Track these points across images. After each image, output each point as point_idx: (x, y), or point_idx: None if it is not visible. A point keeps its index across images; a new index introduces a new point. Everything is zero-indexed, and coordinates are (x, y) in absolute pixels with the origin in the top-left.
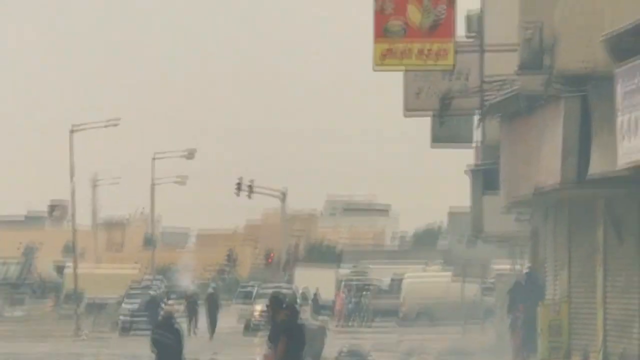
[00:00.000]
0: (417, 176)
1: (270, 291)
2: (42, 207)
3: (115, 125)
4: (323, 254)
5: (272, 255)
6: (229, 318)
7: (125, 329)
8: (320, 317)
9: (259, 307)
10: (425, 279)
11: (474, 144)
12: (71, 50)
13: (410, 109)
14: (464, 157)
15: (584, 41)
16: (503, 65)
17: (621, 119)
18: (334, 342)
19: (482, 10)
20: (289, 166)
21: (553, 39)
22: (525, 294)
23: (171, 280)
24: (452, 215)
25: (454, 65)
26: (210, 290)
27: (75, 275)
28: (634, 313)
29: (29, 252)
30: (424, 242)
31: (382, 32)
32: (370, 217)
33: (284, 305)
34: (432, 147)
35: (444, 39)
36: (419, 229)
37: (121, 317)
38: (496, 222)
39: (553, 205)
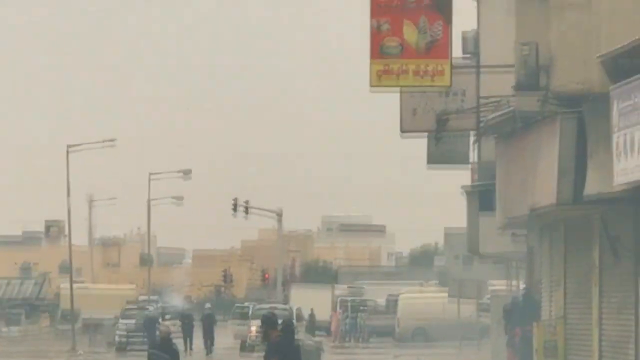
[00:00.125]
0: (413, 196)
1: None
2: (39, 226)
3: (112, 145)
4: (319, 274)
5: (267, 275)
6: (225, 337)
7: (122, 348)
8: (316, 337)
9: (254, 326)
10: (421, 298)
11: (470, 164)
12: (67, 70)
13: (406, 129)
14: (460, 176)
15: (579, 61)
16: (499, 85)
17: (617, 138)
18: None
19: (478, 30)
20: (284, 186)
21: (549, 58)
22: (522, 312)
23: (167, 299)
24: (448, 234)
25: (450, 85)
26: (206, 310)
27: (72, 294)
28: (630, 332)
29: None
30: (420, 262)
31: (378, 51)
32: (366, 236)
33: (280, 325)
34: (428, 166)
35: (440, 58)
36: (415, 249)
37: (117, 336)
38: (492, 242)
39: (549, 225)
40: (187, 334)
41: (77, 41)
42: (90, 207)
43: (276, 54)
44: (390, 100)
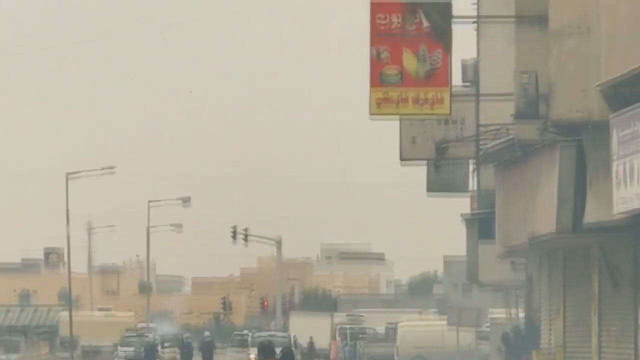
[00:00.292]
0: (412, 224)
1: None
2: (38, 254)
3: (111, 172)
4: (318, 301)
5: (266, 302)
6: None
7: None
8: None
9: (253, 354)
10: (420, 326)
11: (469, 192)
12: (65, 97)
13: (406, 157)
14: (460, 204)
15: (579, 89)
16: (498, 113)
17: (617, 166)
18: None
19: (477, 59)
20: (283, 214)
21: (548, 87)
22: (524, 339)
23: (166, 326)
24: (448, 262)
25: (449, 113)
26: (206, 338)
27: (70, 321)
28: None
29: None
30: (419, 290)
31: (378, 79)
32: (365, 264)
33: (279, 354)
34: (427, 194)
35: (439, 86)
36: (414, 277)
37: None
38: (491, 270)
39: (548, 253)
40: None
41: (76, 68)
42: (89, 235)
43: (275, 82)
44: (390, 128)
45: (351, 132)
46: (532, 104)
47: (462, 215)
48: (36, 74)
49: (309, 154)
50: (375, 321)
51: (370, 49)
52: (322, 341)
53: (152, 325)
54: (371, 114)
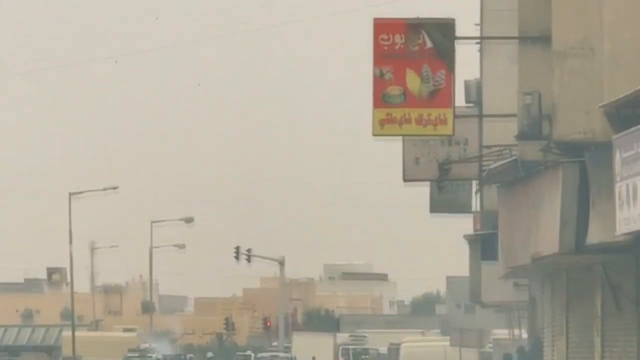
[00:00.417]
0: (415, 243)
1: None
2: (41, 273)
3: (114, 191)
4: (321, 321)
5: (269, 322)
6: None
7: None
8: None
9: None
10: (423, 347)
11: (472, 211)
12: (68, 116)
13: (409, 177)
14: (462, 224)
15: (582, 110)
16: (502, 133)
17: (620, 187)
18: None
19: (480, 78)
20: (286, 234)
21: (551, 107)
22: (527, 358)
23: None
24: (450, 282)
25: (453, 134)
26: (209, 358)
27: (73, 340)
28: None
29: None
30: (422, 310)
31: (381, 98)
32: (368, 284)
33: None
34: (430, 214)
35: (443, 107)
36: (417, 297)
37: None
38: (494, 290)
39: (551, 273)
40: None
41: (79, 89)
42: (92, 254)
43: (277, 103)
44: (392, 148)
45: (354, 152)
46: (535, 124)
47: (464, 235)
48: (38, 93)
49: (311, 174)
50: (378, 341)
51: (374, 69)
52: None
53: (153, 345)
54: (374, 135)
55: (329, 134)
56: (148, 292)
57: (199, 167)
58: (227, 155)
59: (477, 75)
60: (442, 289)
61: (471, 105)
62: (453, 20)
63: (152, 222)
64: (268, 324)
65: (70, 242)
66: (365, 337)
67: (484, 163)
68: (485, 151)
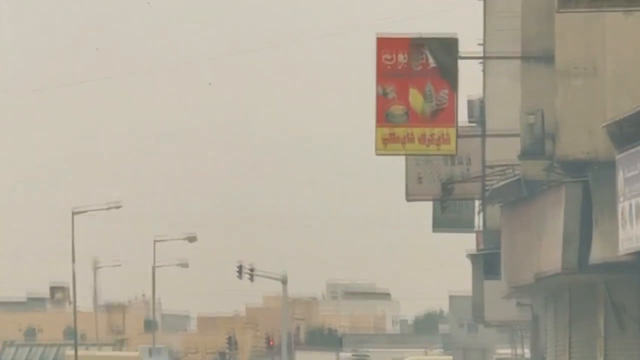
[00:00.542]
0: (418, 261)
1: None
2: (43, 291)
3: (117, 208)
4: (324, 339)
5: (272, 341)
6: None
7: None
8: None
9: None
10: None
11: (475, 229)
12: (70, 134)
13: (412, 195)
14: (465, 241)
15: (585, 128)
16: (505, 151)
17: (622, 205)
18: None
19: (483, 97)
20: (289, 251)
21: (554, 125)
22: None
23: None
24: (453, 300)
25: (456, 153)
26: None
27: (76, 358)
28: None
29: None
30: (425, 328)
31: (384, 117)
32: (370, 302)
33: None
34: (433, 232)
35: (446, 125)
36: (420, 315)
37: None
38: (497, 309)
39: (554, 292)
40: None
41: (80, 108)
42: (95, 272)
43: (280, 119)
44: (395, 165)
45: (357, 169)
46: (538, 143)
47: (467, 253)
48: (41, 112)
49: (314, 191)
50: (381, 359)
51: (377, 87)
52: None
53: None
54: (377, 153)
55: (332, 151)
56: (151, 310)
57: (202, 185)
58: (230, 173)
59: (480, 94)
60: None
61: (474, 124)
62: (456, 38)
63: (155, 240)
64: (271, 342)
65: (73, 260)
66: (368, 355)
67: (487, 182)
68: (488, 170)
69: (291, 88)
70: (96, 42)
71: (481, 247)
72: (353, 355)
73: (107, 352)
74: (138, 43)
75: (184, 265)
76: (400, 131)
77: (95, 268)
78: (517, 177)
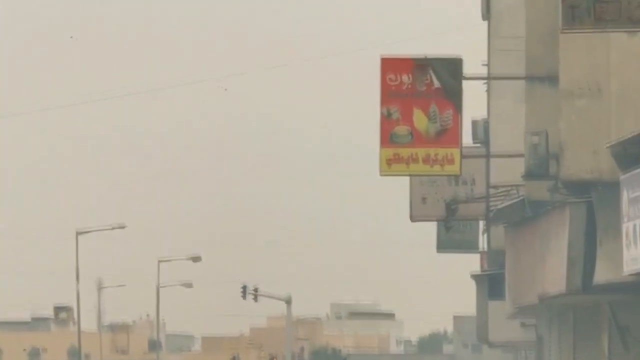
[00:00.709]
0: (422, 282)
1: None
2: (48, 311)
3: (121, 229)
4: (328, 359)
5: None
6: None
7: None
8: None
9: None
10: None
11: (479, 250)
12: (75, 155)
13: (416, 216)
14: (470, 262)
15: (589, 149)
16: (509, 171)
17: (627, 225)
18: None
19: (488, 117)
20: (293, 272)
21: (558, 146)
22: None
23: None
24: (457, 321)
25: (460, 174)
26: None
27: None
28: None
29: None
30: (429, 348)
31: (388, 138)
32: (375, 323)
33: None
34: (438, 252)
35: (450, 146)
36: (424, 336)
37: None
38: (502, 329)
39: (558, 312)
40: None
41: (84, 127)
42: (99, 292)
43: (284, 142)
44: (400, 185)
45: (361, 190)
46: (542, 163)
47: (472, 274)
48: (44, 132)
49: (318, 212)
50: None
51: (381, 108)
52: None
53: None
54: (381, 174)
55: (336, 172)
56: (155, 330)
57: (207, 205)
58: (234, 193)
59: (485, 114)
60: (450, 327)
61: (478, 144)
62: (461, 59)
63: (159, 260)
64: None
65: (77, 280)
66: None
67: (491, 202)
68: (492, 191)
69: (296, 108)
70: (107, 60)
71: (485, 267)
72: None
73: None
74: (141, 61)
75: (188, 285)
76: (404, 152)
77: (100, 288)
78: (521, 197)
